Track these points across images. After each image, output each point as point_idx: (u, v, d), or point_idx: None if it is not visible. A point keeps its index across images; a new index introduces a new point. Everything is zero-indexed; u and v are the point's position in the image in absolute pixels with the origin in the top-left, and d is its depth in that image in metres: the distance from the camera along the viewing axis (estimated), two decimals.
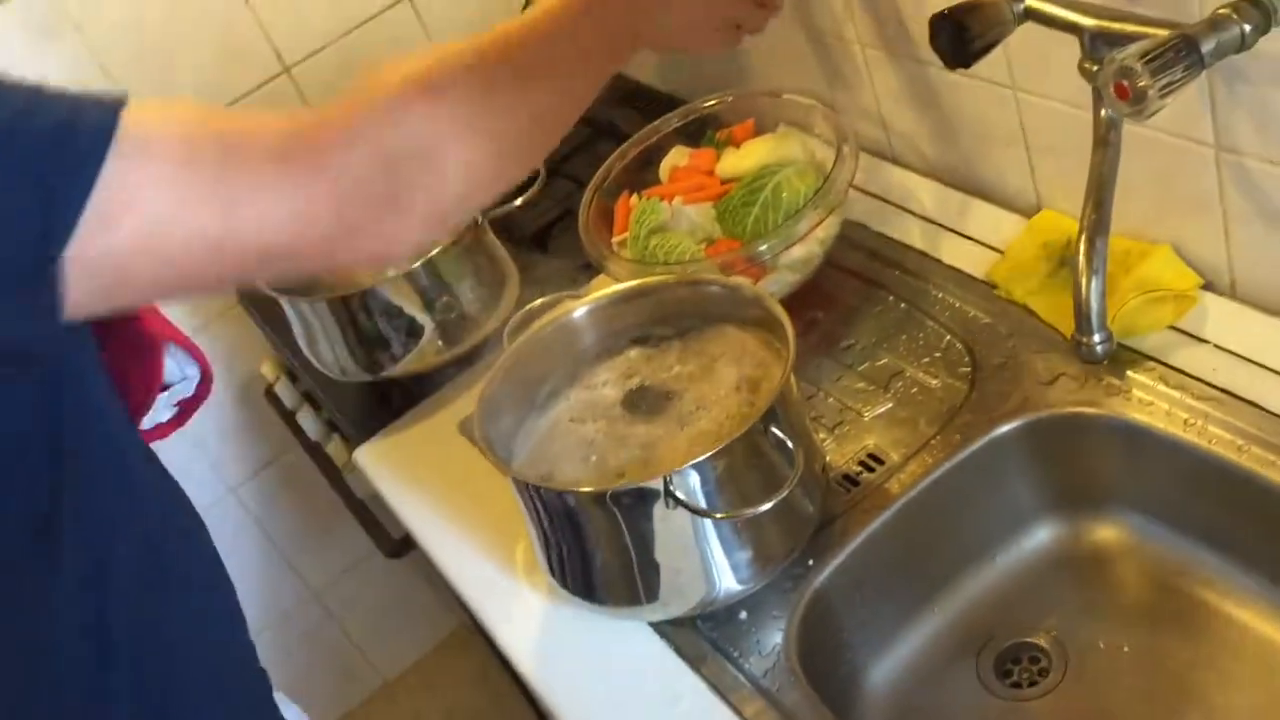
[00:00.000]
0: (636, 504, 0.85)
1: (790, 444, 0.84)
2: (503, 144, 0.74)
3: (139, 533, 0.76)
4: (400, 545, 1.31)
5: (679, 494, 0.82)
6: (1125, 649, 0.92)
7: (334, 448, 1.37)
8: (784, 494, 0.81)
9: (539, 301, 1.04)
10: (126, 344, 0.91)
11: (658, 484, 0.82)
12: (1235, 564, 0.90)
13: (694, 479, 0.83)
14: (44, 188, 0.58)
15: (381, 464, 1.22)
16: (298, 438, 1.45)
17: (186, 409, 1.05)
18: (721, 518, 0.84)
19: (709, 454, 0.82)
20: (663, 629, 0.93)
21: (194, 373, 1.04)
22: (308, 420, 1.43)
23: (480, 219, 1.20)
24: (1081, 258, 0.69)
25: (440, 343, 1.21)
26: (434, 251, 1.16)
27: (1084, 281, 0.69)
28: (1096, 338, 0.68)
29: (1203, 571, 0.92)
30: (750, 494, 0.85)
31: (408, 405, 1.25)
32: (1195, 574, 0.92)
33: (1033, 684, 0.93)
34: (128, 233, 0.61)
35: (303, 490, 1.74)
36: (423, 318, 1.19)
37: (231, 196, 0.63)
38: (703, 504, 0.84)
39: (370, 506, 1.37)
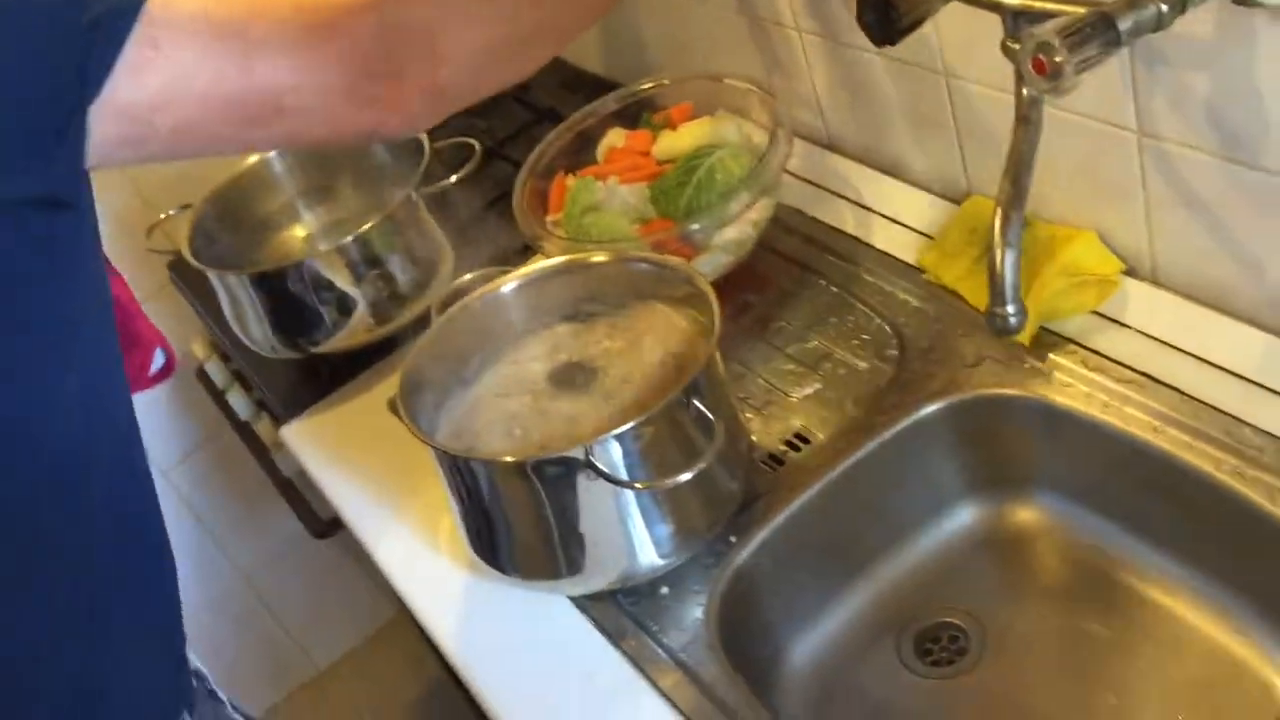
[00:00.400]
0: (557, 475, 0.84)
1: (711, 417, 0.84)
2: (501, 37, 0.80)
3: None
4: (328, 526, 1.29)
5: (599, 464, 0.82)
6: (1042, 629, 0.93)
7: (263, 427, 1.36)
8: (702, 465, 0.81)
9: (469, 276, 1.04)
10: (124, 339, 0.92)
11: (578, 454, 0.82)
12: (1150, 545, 0.91)
13: (615, 449, 0.83)
14: (82, 38, 0.63)
15: (309, 442, 1.21)
16: (228, 418, 1.43)
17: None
18: (641, 488, 0.84)
19: (630, 424, 0.82)
20: (583, 604, 0.92)
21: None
22: (238, 399, 1.41)
23: (414, 194, 1.19)
24: (997, 230, 0.70)
25: (371, 320, 1.20)
26: (365, 226, 1.15)
27: (999, 254, 0.69)
28: (1010, 309, 0.68)
29: (1119, 553, 0.93)
30: (672, 466, 0.85)
31: (338, 384, 1.24)
32: (1112, 555, 0.93)
33: (951, 662, 0.94)
34: (155, 82, 0.66)
35: (234, 473, 1.72)
36: (354, 293, 1.18)
37: (250, 50, 0.70)
38: (623, 475, 0.83)
39: (298, 486, 1.35)
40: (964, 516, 1.00)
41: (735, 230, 1.09)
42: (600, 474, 0.82)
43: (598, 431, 0.84)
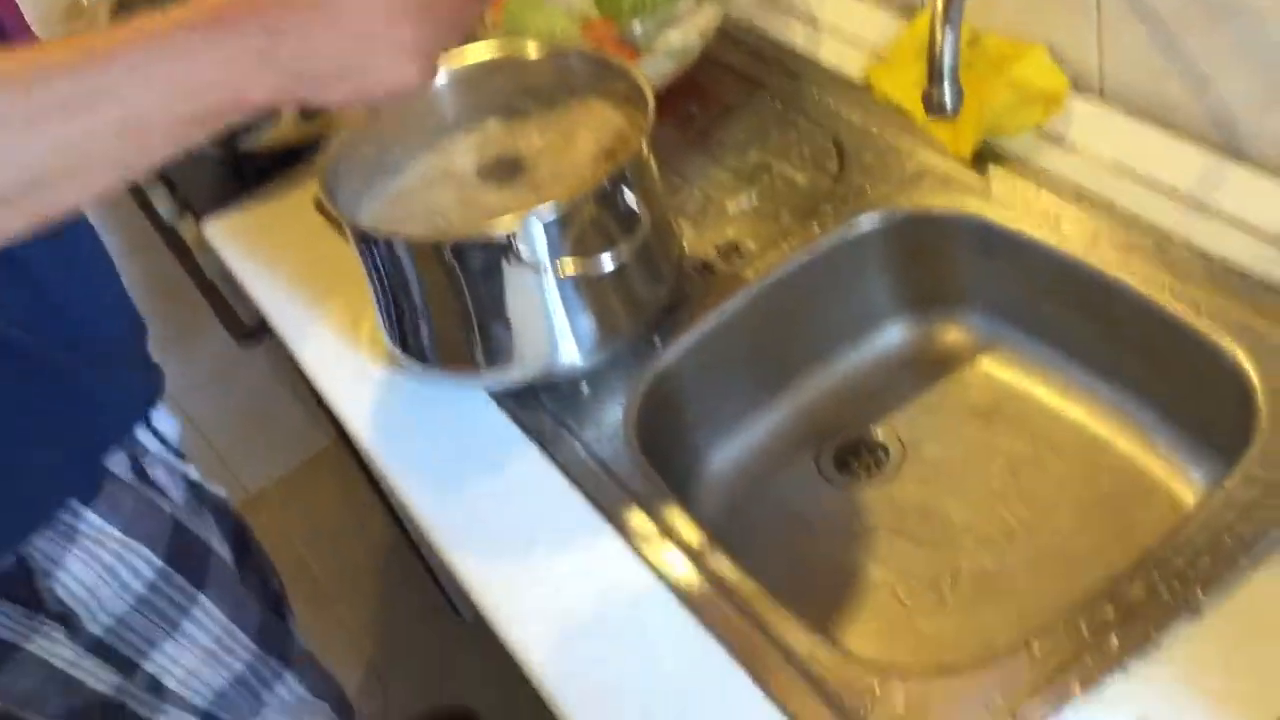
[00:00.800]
0: (478, 259, 0.82)
1: (637, 209, 0.82)
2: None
3: None
4: (253, 330, 1.27)
5: (520, 247, 0.80)
6: (962, 445, 0.93)
7: (186, 227, 1.31)
8: (627, 251, 0.79)
9: None
10: None
11: (500, 236, 0.80)
12: (1075, 364, 0.91)
13: (537, 232, 0.80)
14: None
15: (232, 240, 1.17)
16: (150, 220, 1.39)
17: None
18: (563, 274, 0.81)
19: (554, 207, 0.79)
20: (503, 401, 0.91)
21: None
22: (161, 200, 1.36)
23: None
24: (939, 8, 0.67)
25: (298, 118, 1.16)
26: None
27: (939, 33, 0.67)
28: (945, 88, 0.66)
29: (1044, 371, 0.93)
30: (597, 253, 0.83)
31: (264, 183, 1.20)
32: (1036, 373, 0.93)
33: (869, 476, 0.94)
34: None
35: (162, 287, 1.68)
36: None
37: None
38: (545, 260, 0.81)
39: (224, 292, 1.32)
40: (893, 334, 0.99)
41: (680, 36, 1.05)
42: (521, 259, 0.80)
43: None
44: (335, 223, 1.10)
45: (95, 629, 0.90)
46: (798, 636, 0.71)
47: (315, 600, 1.86)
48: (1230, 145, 0.85)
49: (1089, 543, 0.84)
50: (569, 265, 0.82)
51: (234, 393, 1.87)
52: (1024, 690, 0.65)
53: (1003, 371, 0.95)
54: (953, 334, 0.98)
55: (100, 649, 0.92)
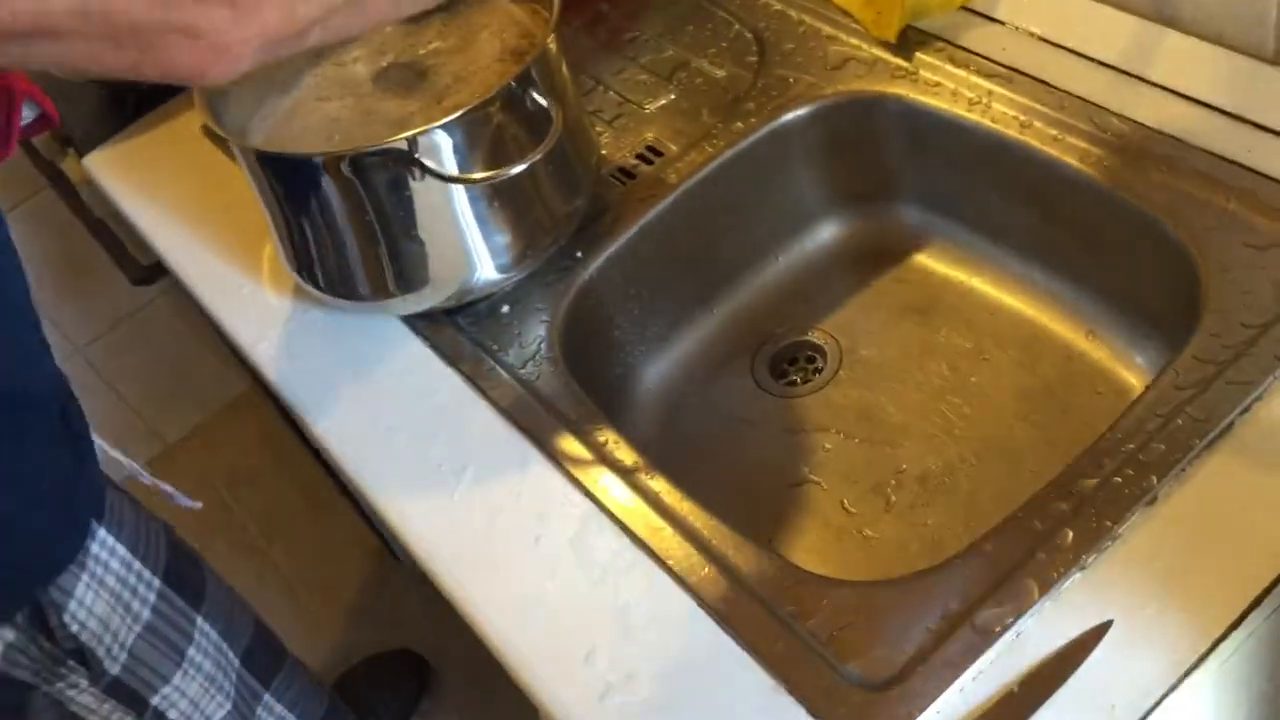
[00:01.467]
0: (380, 173, 0.76)
1: (546, 105, 0.76)
2: None
3: None
4: (149, 271, 1.19)
5: (426, 160, 0.74)
6: (901, 344, 0.90)
7: (70, 163, 1.23)
8: (539, 154, 0.73)
9: None
10: None
11: (401, 146, 0.74)
12: (1013, 252, 0.88)
13: (443, 142, 0.75)
14: None
15: (118, 174, 1.09)
16: (30, 157, 1.30)
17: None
18: (474, 180, 0.76)
19: (459, 113, 0.74)
20: (418, 326, 0.86)
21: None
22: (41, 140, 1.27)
23: None
24: None
25: None
26: None
27: None
28: None
29: (981, 262, 0.90)
30: (508, 161, 0.77)
31: (149, 109, 1.12)
32: (973, 264, 0.90)
33: (807, 381, 0.91)
34: None
35: (51, 230, 1.59)
36: None
37: None
38: (453, 170, 0.76)
39: (116, 231, 1.24)
40: (825, 232, 0.95)
41: None
42: (428, 171, 0.74)
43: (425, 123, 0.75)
44: (226, 147, 1.03)
45: (114, 668, 0.85)
46: (742, 554, 0.68)
47: (245, 547, 1.80)
48: (1162, 12, 0.81)
49: (1035, 436, 0.81)
50: (478, 174, 0.76)
51: (140, 339, 1.79)
52: (979, 595, 0.62)
53: (939, 265, 0.91)
54: (886, 229, 0.94)
55: (117, 689, 0.86)
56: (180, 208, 1.03)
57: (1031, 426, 0.82)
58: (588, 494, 0.73)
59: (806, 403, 0.89)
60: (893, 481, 0.82)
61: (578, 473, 0.74)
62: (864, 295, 0.93)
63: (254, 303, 0.92)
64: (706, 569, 0.67)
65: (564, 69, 0.83)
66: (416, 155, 0.74)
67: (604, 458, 0.74)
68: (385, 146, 0.74)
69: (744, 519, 0.80)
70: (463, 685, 1.53)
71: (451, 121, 0.74)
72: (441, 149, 0.75)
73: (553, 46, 0.79)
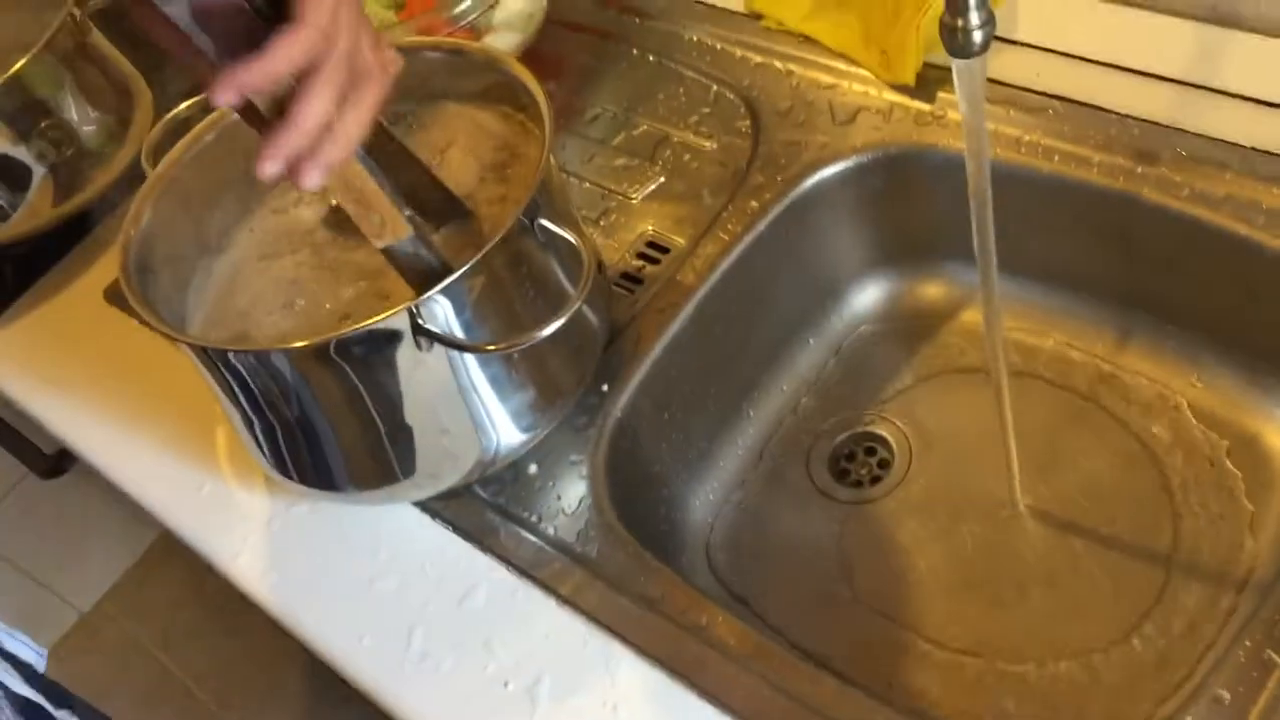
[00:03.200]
0: (374, 352, 0.62)
1: (571, 239, 0.63)
2: None
3: None
4: (57, 460, 1.02)
5: (431, 328, 0.60)
6: (971, 417, 0.79)
7: None
8: (579, 303, 0.60)
9: (185, 105, 0.76)
10: None
11: (401, 320, 0.60)
12: (1088, 304, 0.78)
13: (447, 306, 0.61)
14: None
15: (8, 359, 0.92)
16: None
17: None
18: (498, 349, 0.62)
19: (465, 268, 0.60)
20: (433, 507, 0.72)
21: None
22: None
23: (77, 13, 0.89)
24: None
25: (55, 192, 0.91)
26: (13, 67, 0.84)
27: None
28: (975, 18, 0.50)
29: (1051, 317, 0.79)
30: (523, 312, 0.64)
31: (28, 283, 0.94)
32: (1042, 321, 0.80)
33: (875, 480, 0.79)
34: None
35: None
36: (25, 158, 0.88)
37: None
38: (462, 335, 0.62)
39: (8, 420, 1.06)
40: (861, 305, 0.84)
41: (521, 0, 0.86)
42: (436, 339, 0.60)
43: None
44: (139, 316, 0.86)
45: None
46: None
47: (196, 713, 1.61)
48: (1218, 11, 0.72)
49: (1170, 512, 0.71)
50: (502, 341, 0.62)
51: (44, 518, 1.59)
52: None
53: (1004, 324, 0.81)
54: (930, 290, 0.83)
55: None
56: (93, 390, 0.86)
57: (1159, 503, 0.71)
58: (704, 693, 0.60)
59: (883, 505, 0.78)
60: (1013, 591, 0.72)
61: (682, 667, 0.61)
62: (917, 368, 0.82)
63: (219, 504, 0.77)
64: None
65: (557, 173, 0.70)
66: (420, 324, 0.60)
67: (707, 642, 0.62)
68: (378, 326, 0.60)
69: (859, 667, 0.69)
70: None
71: (455, 280, 0.60)
72: (444, 312, 0.61)
73: (553, 164, 0.66)
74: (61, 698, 0.79)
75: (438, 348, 0.62)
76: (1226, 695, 0.53)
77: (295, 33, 0.48)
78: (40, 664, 0.76)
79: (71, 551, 1.69)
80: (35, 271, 0.94)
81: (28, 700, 0.70)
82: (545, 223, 0.63)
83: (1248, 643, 0.54)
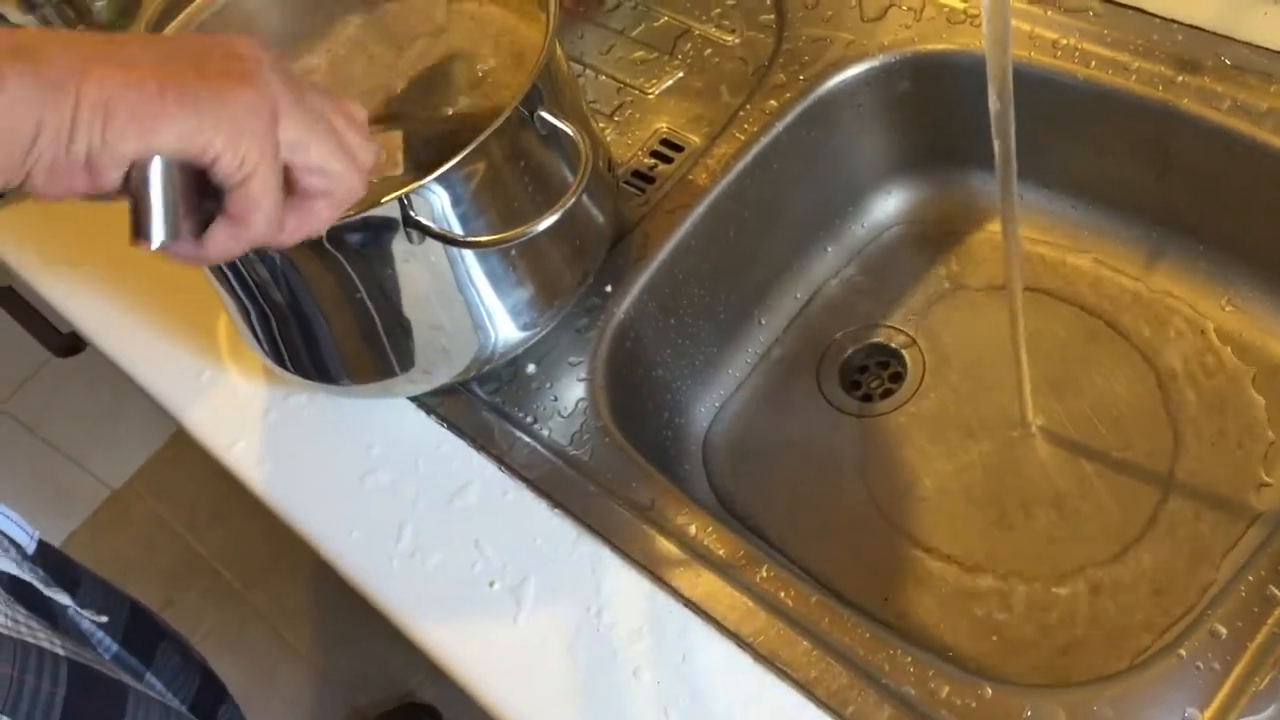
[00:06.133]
0: (368, 243, 0.60)
1: (570, 131, 0.61)
2: None
3: None
4: (71, 340, 1.02)
5: (423, 220, 0.58)
6: (988, 335, 0.76)
7: None
8: (574, 198, 0.58)
9: None
10: None
11: (392, 210, 0.58)
12: (1119, 220, 0.75)
13: (442, 197, 0.59)
14: None
15: (16, 240, 0.91)
16: None
17: None
18: (490, 242, 0.60)
19: (458, 158, 0.58)
20: (429, 403, 0.71)
21: None
22: None
23: None
24: None
25: None
26: None
27: None
28: None
29: (1080, 233, 0.76)
30: (522, 207, 0.62)
31: None
32: (1071, 236, 0.76)
33: (887, 394, 0.77)
34: None
35: None
36: (30, 25, 0.86)
37: None
38: (459, 230, 0.60)
39: (24, 295, 1.06)
40: (882, 213, 0.81)
41: None
42: (428, 232, 0.59)
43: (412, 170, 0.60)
44: None
45: None
46: (903, 665, 0.54)
47: (222, 593, 1.64)
48: None
49: (1185, 440, 0.69)
50: (494, 235, 0.60)
51: (76, 397, 1.60)
52: (1229, 693, 0.50)
53: (1028, 236, 0.78)
54: (954, 199, 0.80)
55: None
56: (103, 277, 0.85)
57: (1178, 428, 0.69)
58: (686, 602, 0.60)
59: (893, 420, 0.76)
60: (1020, 510, 0.70)
61: (667, 575, 0.61)
62: (935, 282, 0.79)
63: (218, 392, 0.76)
64: (864, 693, 0.54)
65: (569, 72, 0.67)
66: (411, 216, 0.58)
67: (695, 551, 0.61)
68: (370, 214, 0.58)
69: (855, 580, 0.67)
70: None
71: (449, 170, 0.58)
72: (439, 204, 0.59)
73: (558, 51, 0.63)
74: (62, 578, 0.80)
75: (430, 241, 0.60)
76: (1224, 630, 0.51)
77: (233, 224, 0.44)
78: (30, 545, 0.76)
79: (103, 430, 1.71)
80: None
81: (15, 578, 0.71)
82: (545, 114, 0.61)
83: (1250, 577, 0.52)
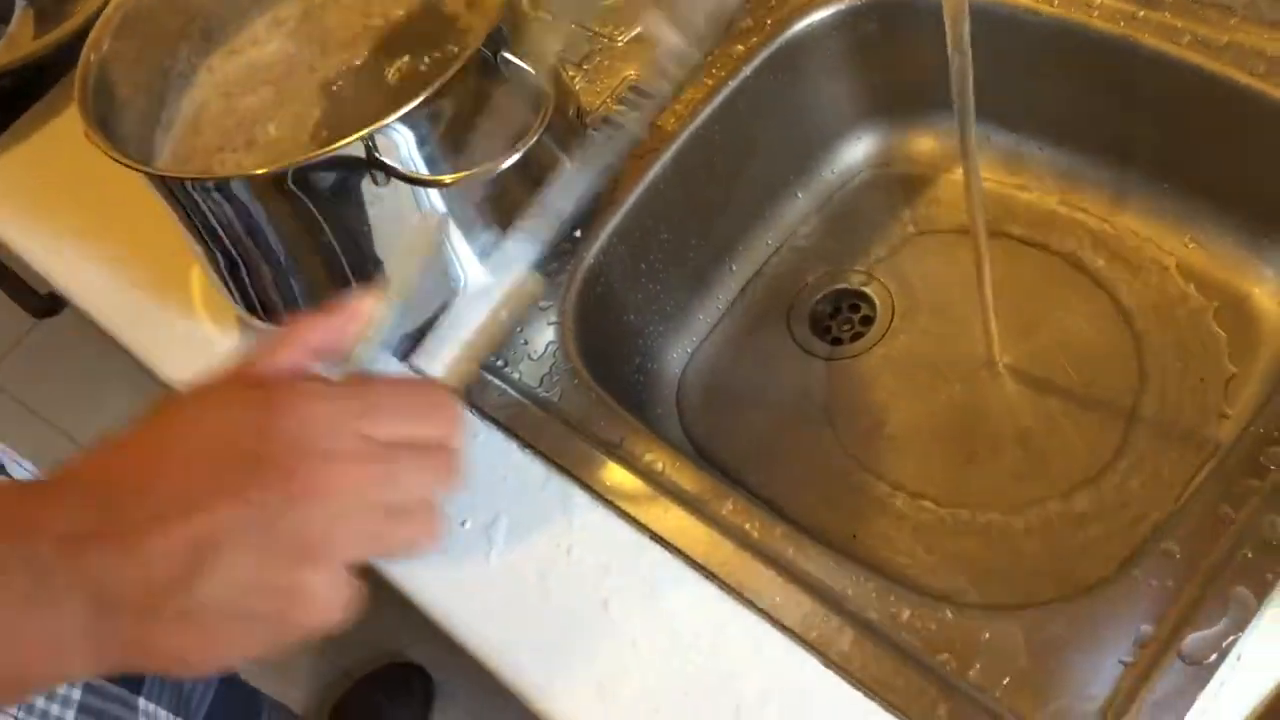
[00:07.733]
0: (334, 184, 0.61)
1: (531, 70, 0.61)
2: None
3: None
4: (50, 301, 1.02)
5: (388, 160, 0.59)
6: (956, 278, 0.77)
7: None
8: (534, 136, 0.58)
9: None
10: None
11: (357, 149, 0.58)
12: (1083, 160, 0.75)
13: (406, 137, 0.59)
14: None
15: None
16: None
17: None
18: (453, 181, 0.60)
19: (421, 98, 0.58)
20: (400, 347, 0.71)
21: None
22: None
23: None
24: None
25: (35, 23, 0.89)
26: None
27: None
28: None
29: (1045, 173, 0.77)
30: (487, 146, 0.62)
31: (9, 118, 0.93)
32: (1036, 177, 0.77)
33: (857, 336, 0.78)
34: None
35: None
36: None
37: None
38: (423, 169, 0.60)
39: (5, 262, 1.06)
40: (851, 158, 0.82)
41: None
42: (392, 173, 0.59)
43: (376, 113, 0.60)
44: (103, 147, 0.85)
45: None
46: (865, 590, 0.55)
47: None
48: None
49: (1148, 376, 0.69)
50: (456, 173, 0.61)
51: (57, 361, 1.61)
52: (1180, 612, 0.51)
53: (991, 178, 0.78)
54: (923, 143, 0.81)
55: None
56: (76, 231, 0.86)
57: (1142, 364, 0.70)
58: (655, 536, 0.60)
59: (863, 362, 0.77)
60: (987, 447, 0.71)
61: (635, 511, 0.61)
62: (904, 226, 0.80)
63: (192, 342, 0.77)
64: (828, 618, 0.55)
65: (536, 16, 0.67)
66: (375, 156, 0.59)
67: (662, 486, 0.61)
68: (335, 154, 0.58)
69: (824, 518, 0.68)
70: (473, 693, 1.42)
71: (413, 110, 0.58)
72: (403, 144, 0.60)
73: None
74: None
75: (396, 182, 0.60)
76: (1177, 550, 0.52)
77: None
78: None
79: (84, 393, 1.71)
80: (18, 110, 0.93)
81: None
82: (509, 56, 0.61)
83: (1204, 498, 0.53)
